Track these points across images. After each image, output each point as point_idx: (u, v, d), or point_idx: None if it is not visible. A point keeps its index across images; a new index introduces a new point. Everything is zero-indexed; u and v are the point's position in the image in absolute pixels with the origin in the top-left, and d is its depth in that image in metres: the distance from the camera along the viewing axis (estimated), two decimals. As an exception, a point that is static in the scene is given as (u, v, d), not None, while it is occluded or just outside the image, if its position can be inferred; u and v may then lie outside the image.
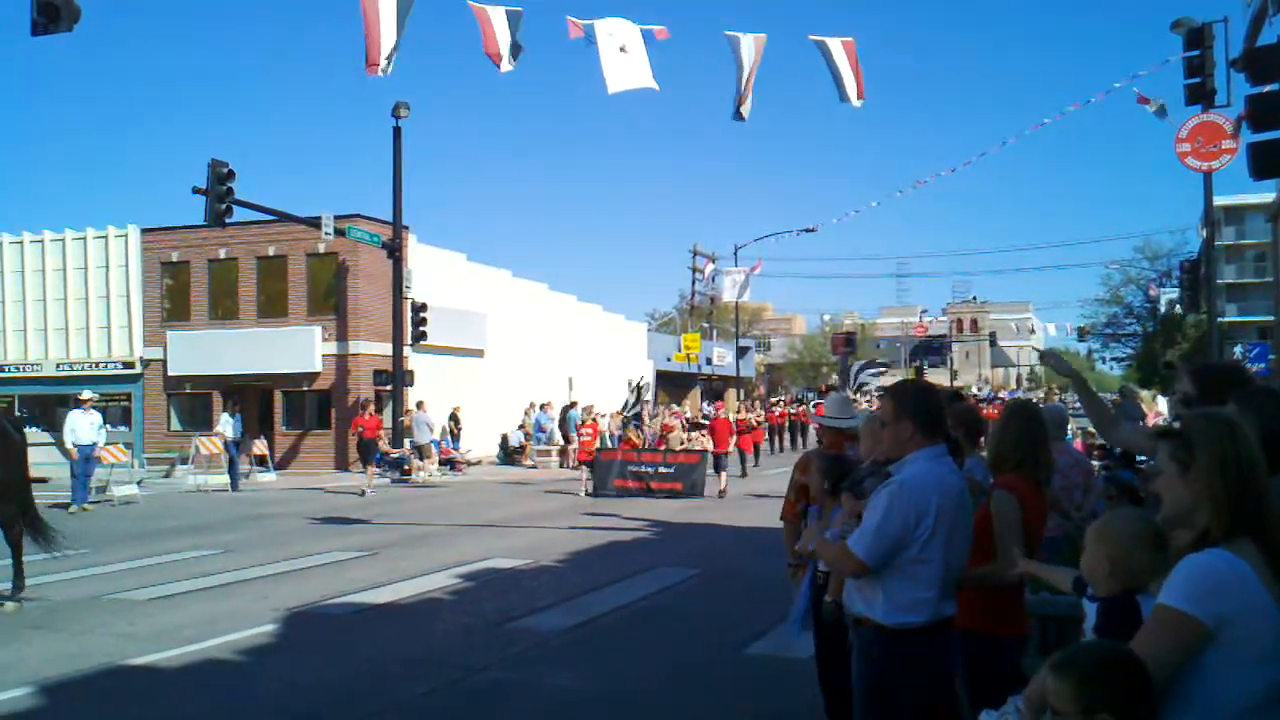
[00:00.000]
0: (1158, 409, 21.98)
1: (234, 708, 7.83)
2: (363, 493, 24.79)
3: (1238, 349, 41.03)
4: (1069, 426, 12.50)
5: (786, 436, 44.26)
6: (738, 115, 17.94)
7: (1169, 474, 2.91)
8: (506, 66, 15.87)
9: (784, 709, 7.62)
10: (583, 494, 23.76)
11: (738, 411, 32.95)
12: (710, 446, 25.14)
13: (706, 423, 28.57)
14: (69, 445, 22.44)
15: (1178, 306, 50.89)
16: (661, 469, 23.96)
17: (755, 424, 33.41)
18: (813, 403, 41.62)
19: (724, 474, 23.93)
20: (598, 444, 25.46)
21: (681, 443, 27.50)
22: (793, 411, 45.73)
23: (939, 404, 4.55)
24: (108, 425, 32.99)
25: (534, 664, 9.02)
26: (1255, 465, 2.82)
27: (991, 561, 4.74)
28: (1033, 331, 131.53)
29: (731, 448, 26.01)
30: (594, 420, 27.36)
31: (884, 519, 4.22)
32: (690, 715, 7.59)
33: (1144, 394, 22.44)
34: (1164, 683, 2.61)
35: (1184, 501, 2.85)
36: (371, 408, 27.91)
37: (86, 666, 8.87)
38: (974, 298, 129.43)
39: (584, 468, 24.80)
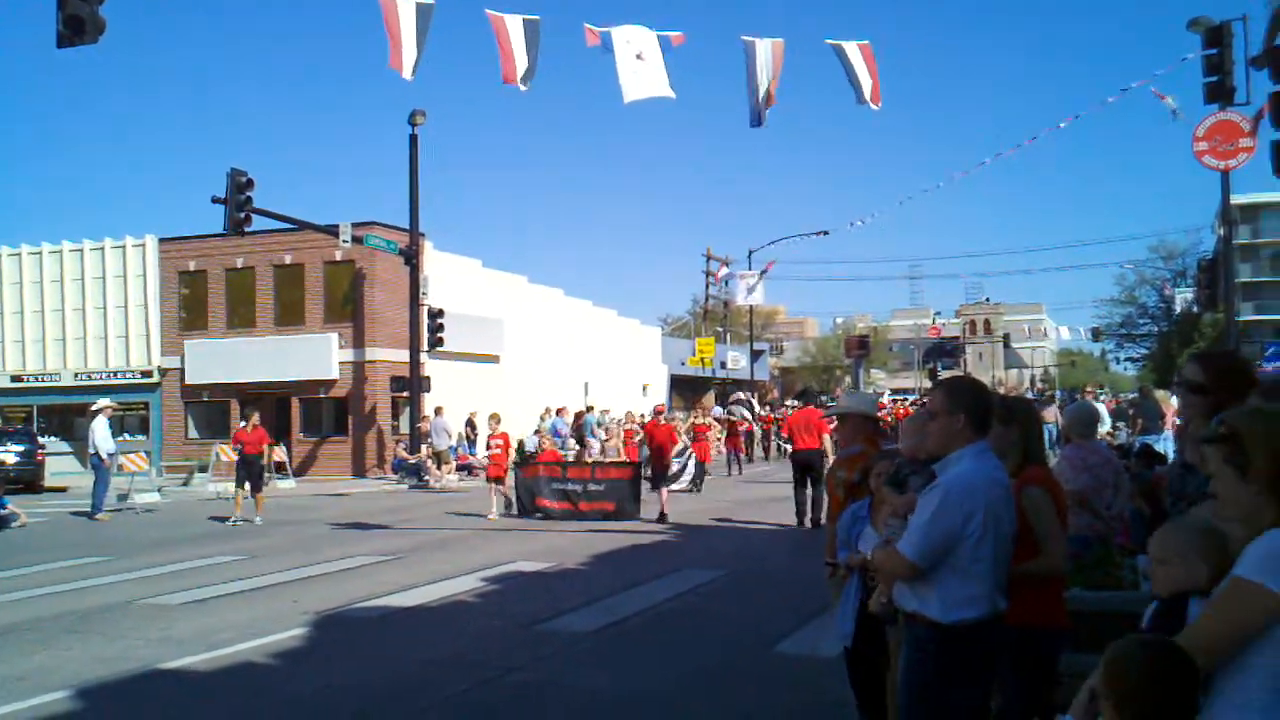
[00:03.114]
0: (1176, 408, 21.94)
1: (271, 709, 7.89)
2: (232, 521, 20.67)
3: (1268, 348, 40.87)
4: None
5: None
6: (755, 121, 17.97)
7: (1226, 478, 2.91)
8: (522, 87, 15.93)
9: (813, 707, 7.66)
10: (490, 515, 20.45)
11: (695, 417, 30.31)
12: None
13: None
14: (104, 453, 22.46)
15: (1194, 306, 50.77)
16: (591, 485, 20.60)
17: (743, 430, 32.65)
18: (787, 408, 41.13)
19: (665, 491, 20.51)
20: (514, 457, 22.14)
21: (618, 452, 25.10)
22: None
23: (990, 401, 4.60)
24: (126, 434, 33.22)
25: (566, 664, 9.07)
26: None
27: (1033, 558, 4.81)
28: (1046, 334, 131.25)
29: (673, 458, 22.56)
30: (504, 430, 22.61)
31: (934, 519, 4.24)
32: (722, 714, 7.63)
33: (1160, 394, 22.38)
34: (1227, 652, 2.68)
35: (1247, 503, 2.86)
36: (255, 418, 22.73)
37: (123, 671, 8.95)
38: (987, 299, 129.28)
39: (492, 485, 21.11)
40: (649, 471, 21.51)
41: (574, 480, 20.81)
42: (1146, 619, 3.16)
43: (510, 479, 21.26)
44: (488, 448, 22.57)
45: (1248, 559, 2.74)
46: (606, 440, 25.45)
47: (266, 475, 29.12)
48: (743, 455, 28.52)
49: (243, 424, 22.78)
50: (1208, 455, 3.00)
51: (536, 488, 20.74)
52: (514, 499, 21.05)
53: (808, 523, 17.72)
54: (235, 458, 22.16)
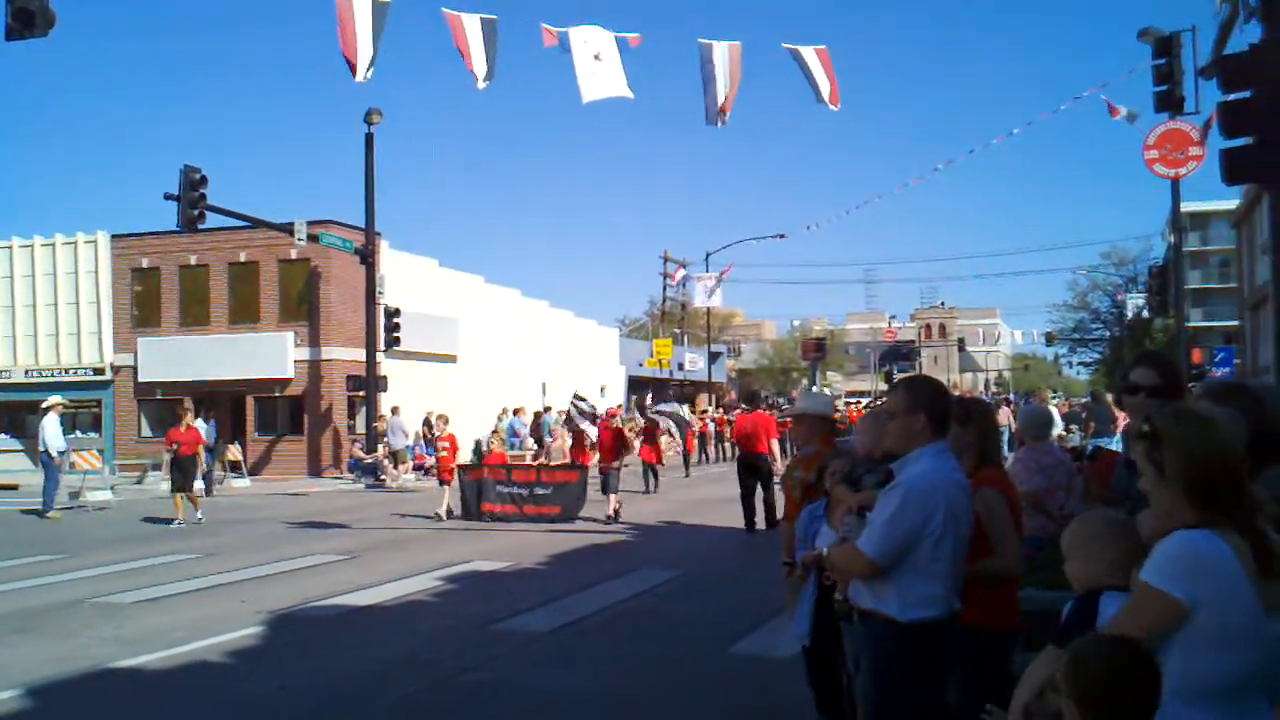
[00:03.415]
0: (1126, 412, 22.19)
1: (226, 709, 7.86)
2: (175, 523, 20.01)
3: (1218, 354, 41.43)
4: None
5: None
6: (711, 120, 18.04)
7: (1148, 475, 2.95)
8: (481, 85, 15.93)
9: (769, 707, 7.71)
10: (439, 516, 20.19)
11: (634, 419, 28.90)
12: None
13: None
14: (54, 451, 22.21)
15: (1145, 311, 51.42)
16: (538, 489, 20.01)
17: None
18: (723, 412, 40.79)
19: (613, 495, 19.64)
20: (473, 458, 21.60)
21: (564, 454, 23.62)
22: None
23: (949, 401, 4.65)
24: (78, 432, 32.84)
25: (521, 664, 9.08)
26: (1227, 461, 2.86)
27: (987, 558, 4.87)
28: (1000, 338, 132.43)
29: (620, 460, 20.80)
30: (451, 432, 22.52)
31: (895, 517, 4.27)
32: (677, 714, 7.67)
33: (1111, 397, 22.63)
34: None
35: (1165, 501, 2.90)
36: (189, 418, 22.23)
37: (75, 669, 8.88)
38: (942, 303, 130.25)
39: (444, 488, 20.88)
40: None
41: (520, 484, 20.23)
42: (1064, 615, 3.22)
43: (456, 481, 20.83)
44: (435, 449, 21.57)
45: (1152, 561, 2.78)
46: (552, 442, 23.92)
47: (221, 473, 29.03)
48: (657, 465, 26.22)
49: (177, 424, 21.96)
50: (1137, 452, 3.03)
51: (482, 491, 20.26)
52: (458, 502, 20.56)
53: (761, 524, 17.27)
54: (168, 459, 21.58)
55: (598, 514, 19.47)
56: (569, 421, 27.84)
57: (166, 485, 27.13)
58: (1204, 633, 2.66)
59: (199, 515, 20.23)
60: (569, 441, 26.16)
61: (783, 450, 19.36)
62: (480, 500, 20.19)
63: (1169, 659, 2.67)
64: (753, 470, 17.80)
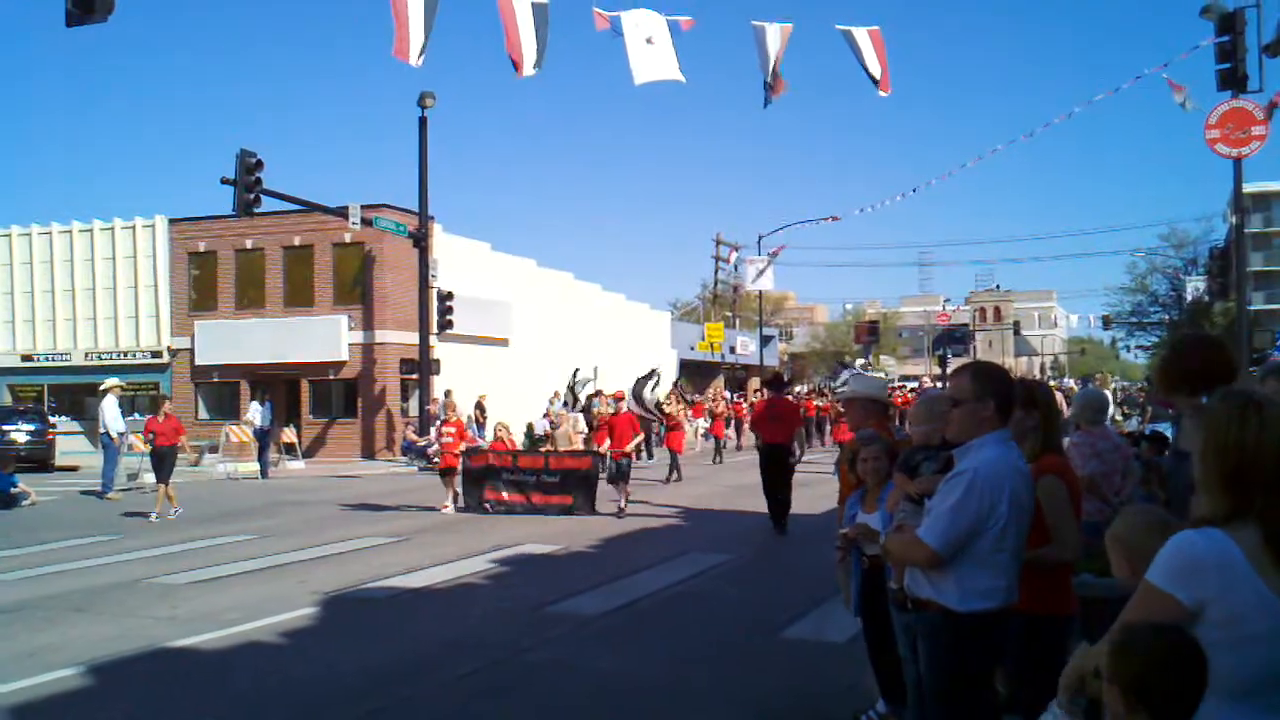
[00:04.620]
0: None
1: (279, 689, 7.90)
2: (154, 515, 18.66)
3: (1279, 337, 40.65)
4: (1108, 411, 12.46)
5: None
6: (767, 103, 18.01)
7: (1195, 462, 2.84)
8: (529, 71, 15.89)
9: (823, 691, 7.65)
10: (447, 508, 18.83)
11: (670, 405, 27.58)
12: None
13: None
14: (113, 433, 22.56)
15: (1205, 294, 50.63)
16: (545, 477, 18.65)
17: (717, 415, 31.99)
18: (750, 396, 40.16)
19: (625, 486, 18.49)
20: (463, 446, 19.47)
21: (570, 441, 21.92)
22: (819, 404, 41.86)
23: (1014, 388, 4.56)
24: (136, 414, 33.29)
25: (575, 646, 9.09)
26: (1263, 450, 2.69)
27: (1045, 545, 4.79)
28: (1056, 321, 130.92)
29: (631, 447, 18.94)
30: (459, 417, 20.84)
31: (959, 505, 4.17)
32: (732, 697, 7.63)
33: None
34: None
35: (1207, 485, 2.77)
36: (166, 406, 20.67)
37: (130, 649, 8.98)
38: (997, 286, 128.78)
39: (448, 477, 19.35)
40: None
41: (527, 471, 18.87)
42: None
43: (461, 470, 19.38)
44: (437, 436, 20.06)
45: (1159, 561, 2.69)
46: (558, 429, 21.92)
47: (276, 456, 29.30)
48: (678, 453, 25.53)
49: (154, 413, 20.62)
50: (1192, 431, 2.93)
51: (486, 479, 18.84)
52: (460, 493, 19.30)
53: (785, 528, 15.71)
54: (148, 448, 19.97)
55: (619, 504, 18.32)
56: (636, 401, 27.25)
57: (223, 467, 27.70)
58: (1217, 632, 2.57)
59: (173, 511, 18.88)
60: (577, 426, 25.20)
61: (810, 436, 18.15)
62: (484, 489, 18.84)
63: None
64: (774, 461, 15.98)
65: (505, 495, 18.68)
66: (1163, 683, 2.51)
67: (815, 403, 42.12)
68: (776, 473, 15.91)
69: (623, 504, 18.14)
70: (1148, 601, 2.68)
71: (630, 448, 18.71)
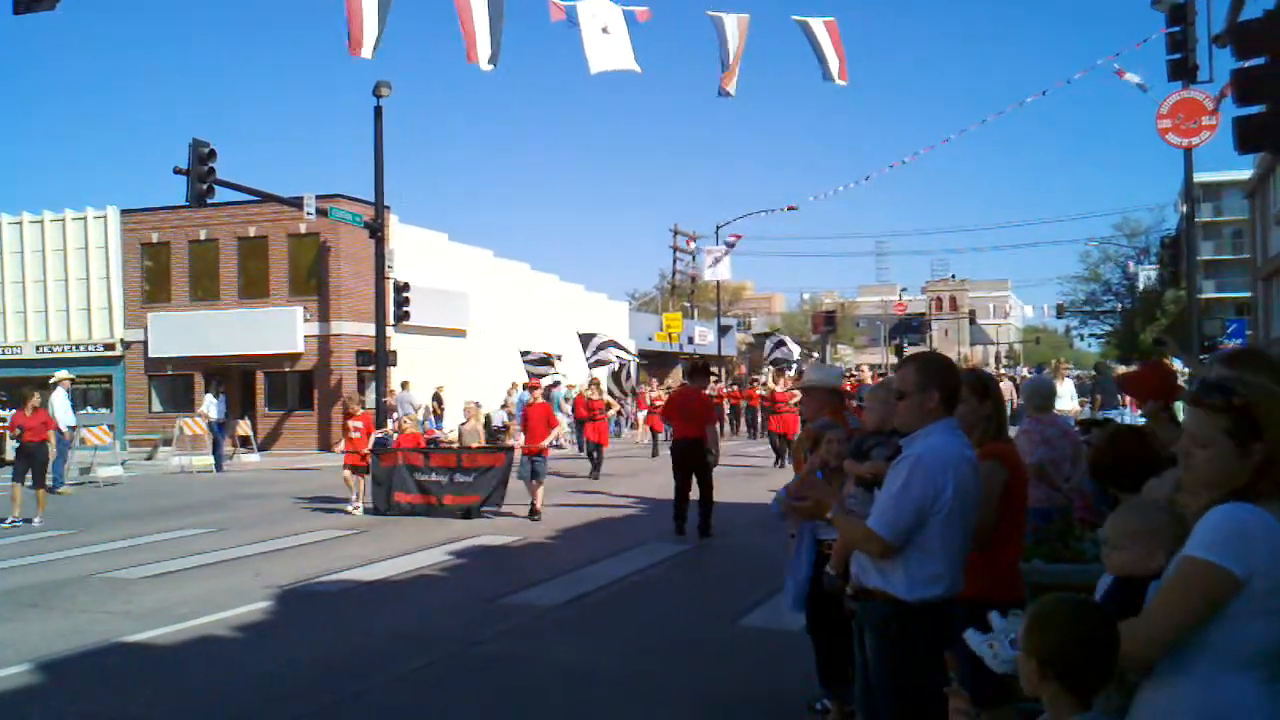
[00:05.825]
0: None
1: (234, 683, 7.85)
2: (9, 520, 17.07)
3: (1230, 326, 41.14)
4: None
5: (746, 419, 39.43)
6: (723, 93, 18.02)
7: (1222, 448, 2.81)
8: (485, 66, 15.82)
9: (778, 680, 7.69)
10: (354, 510, 17.58)
11: (592, 393, 26.49)
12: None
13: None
14: (63, 426, 22.34)
15: (1157, 283, 51.24)
16: (458, 476, 17.19)
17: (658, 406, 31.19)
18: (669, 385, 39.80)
19: (538, 485, 16.78)
20: (372, 445, 18.07)
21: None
22: (761, 393, 36.31)
23: (959, 378, 4.59)
24: (89, 408, 32.94)
25: (530, 638, 9.09)
26: None
27: (1004, 535, 4.86)
28: (1010, 310, 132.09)
29: (548, 442, 17.37)
30: (368, 410, 19.44)
31: (904, 489, 4.19)
32: (687, 688, 7.66)
33: (1121, 369, 22.51)
34: (1184, 638, 2.65)
35: (1238, 475, 2.78)
36: (35, 400, 18.71)
37: (83, 644, 8.90)
38: (953, 276, 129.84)
39: (354, 475, 17.87)
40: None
41: (438, 469, 17.42)
42: (1099, 594, 3.17)
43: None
44: (344, 432, 18.50)
45: (1200, 536, 2.71)
46: (464, 424, 19.58)
47: (231, 449, 29.06)
48: (602, 445, 24.04)
49: (22, 407, 18.79)
50: (1201, 421, 2.89)
51: (395, 480, 17.54)
52: (365, 494, 17.95)
53: (692, 530, 14.52)
54: (14, 445, 18.53)
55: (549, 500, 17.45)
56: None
57: (177, 460, 27.43)
58: (1257, 603, 2.61)
59: (37, 518, 17.33)
60: (483, 422, 23.40)
61: (737, 425, 17.21)
62: (392, 491, 17.52)
63: (1215, 628, 2.64)
64: (686, 458, 14.76)
65: (414, 497, 17.38)
66: (1076, 659, 2.63)
67: (727, 391, 39.94)
68: (687, 470, 14.72)
69: (536, 504, 16.64)
70: (1198, 577, 2.66)
71: (546, 444, 17.16)
